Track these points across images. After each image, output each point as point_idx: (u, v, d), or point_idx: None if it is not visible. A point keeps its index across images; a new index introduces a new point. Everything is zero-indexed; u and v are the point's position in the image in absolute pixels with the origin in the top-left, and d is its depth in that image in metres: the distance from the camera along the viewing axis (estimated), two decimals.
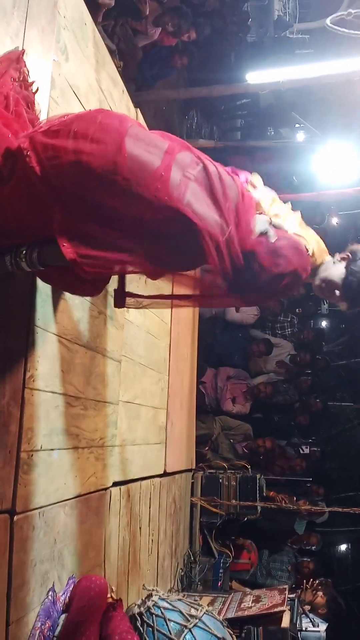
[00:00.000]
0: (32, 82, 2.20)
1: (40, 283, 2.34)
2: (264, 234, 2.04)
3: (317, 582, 5.53)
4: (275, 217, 2.16)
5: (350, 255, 2.25)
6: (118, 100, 3.46)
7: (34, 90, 2.20)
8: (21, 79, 2.12)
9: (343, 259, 2.25)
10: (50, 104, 2.48)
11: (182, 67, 6.32)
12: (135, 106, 3.91)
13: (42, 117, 2.37)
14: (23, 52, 2.18)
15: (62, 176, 1.84)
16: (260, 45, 8.76)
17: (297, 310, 7.78)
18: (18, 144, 1.86)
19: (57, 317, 2.53)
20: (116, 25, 5.01)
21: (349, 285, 2.24)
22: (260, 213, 2.14)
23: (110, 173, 1.82)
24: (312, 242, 2.22)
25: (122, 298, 2.52)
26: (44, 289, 2.38)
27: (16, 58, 2.12)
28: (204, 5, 6.67)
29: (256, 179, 2.29)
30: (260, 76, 5.52)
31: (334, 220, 8.36)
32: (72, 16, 2.74)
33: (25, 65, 2.17)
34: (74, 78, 2.76)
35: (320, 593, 5.38)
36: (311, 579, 5.58)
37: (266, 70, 5.56)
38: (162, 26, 5.65)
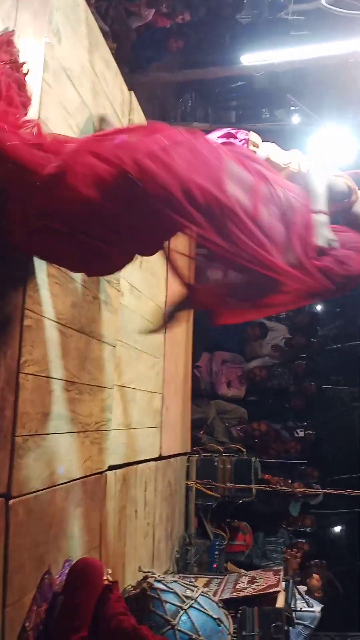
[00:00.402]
0: (23, 64, 2.18)
1: (35, 267, 2.33)
2: (328, 246, 2.09)
3: (298, 552, 5.61)
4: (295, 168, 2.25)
5: None
6: (112, 82, 3.43)
7: (24, 72, 2.18)
8: (12, 60, 2.10)
9: None
10: (43, 86, 2.45)
11: (177, 50, 6.26)
12: (129, 89, 3.87)
13: (35, 99, 2.35)
14: (13, 32, 2.16)
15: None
16: (255, 27, 8.66)
17: None
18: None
19: (51, 302, 2.52)
20: (109, 7, 4.95)
21: None
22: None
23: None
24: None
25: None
26: (38, 274, 2.38)
27: (6, 40, 2.10)
28: None
29: (254, 137, 2.32)
30: (255, 58, 5.48)
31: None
32: None
33: (14, 47, 2.14)
34: (67, 60, 2.72)
35: (316, 576, 5.43)
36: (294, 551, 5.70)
37: (261, 52, 5.52)
38: (156, 7, 5.58)
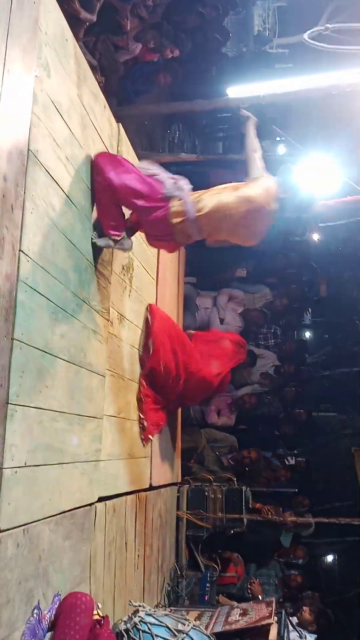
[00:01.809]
0: None
1: (23, 297, 2.33)
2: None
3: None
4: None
5: None
6: (100, 115, 3.48)
7: None
8: None
9: None
10: (33, 119, 2.49)
11: (165, 84, 6.36)
12: (117, 121, 3.93)
13: (24, 132, 2.38)
14: None
15: None
16: (240, 60, 8.84)
17: (280, 322, 7.81)
18: None
19: (41, 332, 2.52)
20: (97, 41, 5.03)
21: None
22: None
23: None
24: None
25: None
26: (27, 304, 2.38)
27: None
28: (185, 22, 6.72)
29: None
30: (241, 90, 5.57)
31: (315, 236, 8.42)
32: (54, 32, 2.76)
33: None
34: (56, 94, 2.77)
35: (306, 609, 5.37)
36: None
37: (247, 85, 5.61)
38: (143, 42, 5.69)
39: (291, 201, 3.48)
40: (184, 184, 3.40)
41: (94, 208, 3.31)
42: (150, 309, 4.65)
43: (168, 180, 3.37)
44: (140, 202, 3.33)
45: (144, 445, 4.46)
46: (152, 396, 4.56)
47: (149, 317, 4.58)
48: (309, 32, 4.40)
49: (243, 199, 3.32)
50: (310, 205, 3.55)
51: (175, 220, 3.32)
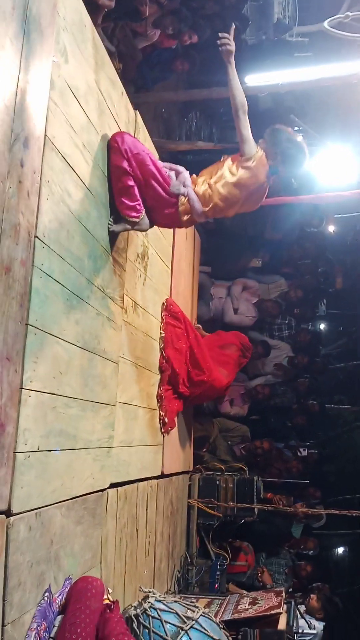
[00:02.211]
0: None
1: (38, 284, 2.34)
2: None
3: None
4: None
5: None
6: (117, 101, 3.46)
7: None
8: None
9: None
10: (50, 104, 2.48)
11: (183, 71, 6.33)
12: (134, 108, 3.91)
13: (41, 117, 2.38)
14: None
15: None
16: (259, 48, 8.75)
17: (295, 311, 7.76)
18: None
19: (55, 318, 2.53)
20: (116, 27, 5.00)
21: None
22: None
23: None
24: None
25: None
26: (42, 290, 2.39)
27: None
28: (204, 8, 6.66)
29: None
30: (259, 79, 5.52)
31: (331, 227, 8.37)
32: (72, 18, 2.75)
33: None
34: (73, 79, 2.76)
35: (313, 596, 5.38)
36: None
37: (265, 73, 5.56)
38: (161, 28, 5.65)
39: (282, 165, 3.58)
40: (186, 176, 3.51)
41: (110, 194, 3.30)
42: (165, 309, 4.69)
43: (172, 175, 3.44)
44: (151, 190, 3.40)
45: (162, 434, 4.52)
46: (171, 389, 4.66)
47: (162, 319, 4.65)
48: (329, 19, 4.35)
49: (242, 185, 3.51)
50: (301, 165, 3.62)
51: (185, 217, 3.53)
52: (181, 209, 3.48)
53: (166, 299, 4.74)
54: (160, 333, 4.56)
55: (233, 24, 3.55)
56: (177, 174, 3.50)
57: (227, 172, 3.53)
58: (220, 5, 6.90)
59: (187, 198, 3.46)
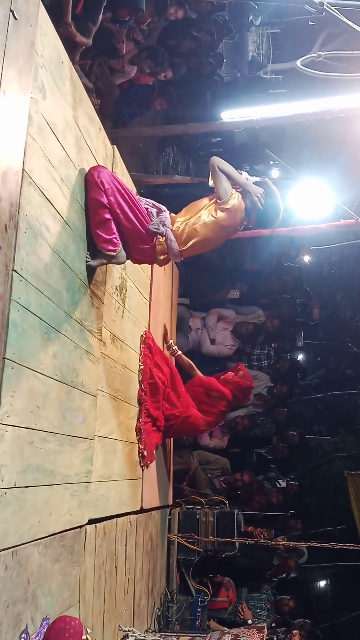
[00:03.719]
0: None
1: (16, 317, 2.33)
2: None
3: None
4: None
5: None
6: (95, 137, 3.50)
7: None
8: None
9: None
10: (28, 140, 2.50)
11: (161, 109, 6.45)
12: (112, 143, 3.96)
13: (19, 152, 2.39)
14: None
15: None
16: (234, 85, 8.96)
17: (272, 344, 7.79)
18: None
19: (33, 352, 2.51)
20: (93, 64, 5.09)
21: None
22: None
23: None
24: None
25: None
26: (20, 323, 2.37)
27: None
28: (180, 46, 6.82)
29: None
30: (235, 114, 5.63)
31: (307, 258, 8.49)
32: (50, 55, 2.79)
33: None
34: (51, 115, 2.79)
35: (296, 632, 5.31)
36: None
37: (241, 109, 5.68)
38: (138, 66, 5.76)
39: (259, 212, 3.75)
40: (167, 216, 3.60)
41: (88, 227, 3.31)
42: (143, 341, 4.69)
43: (152, 211, 3.51)
44: (127, 224, 3.42)
45: (141, 468, 4.47)
46: (150, 422, 4.62)
47: (141, 351, 4.64)
48: (301, 59, 4.45)
49: (218, 227, 3.65)
50: (277, 214, 3.79)
51: (161, 257, 3.62)
52: (158, 248, 3.56)
53: (145, 332, 4.74)
54: (139, 365, 4.55)
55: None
56: (159, 212, 3.57)
57: (205, 214, 3.65)
58: (196, 43, 7.06)
59: (164, 238, 3.52)
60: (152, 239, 3.52)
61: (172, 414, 4.92)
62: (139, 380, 4.51)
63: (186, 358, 5.61)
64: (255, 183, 3.78)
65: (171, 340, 5.59)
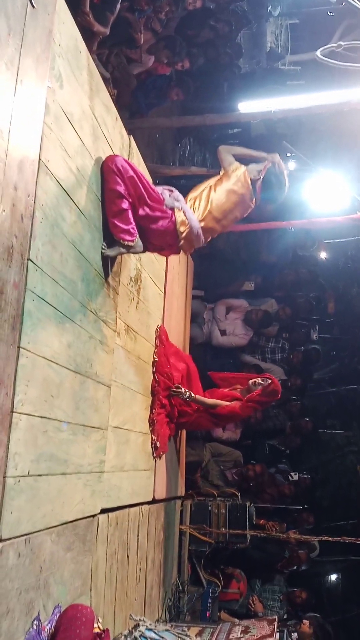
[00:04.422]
0: None
1: (31, 306, 2.33)
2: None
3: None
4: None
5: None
6: (111, 127, 3.49)
7: None
8: None
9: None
10: (44, 129, 2.50)
11: (177, 99, 6.42)
12: (129, 133, 3.95)
13: (36, 141, 2.39)
14: None
15: None
16: (252, 76, 8.89)
17: (284, 335, 7.73)
18: None
19: (47, 341, 2.52)
20: (110, 54, 5.07)
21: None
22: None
23: None
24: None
25: None
26: (34, 313, 2.38)
27: None
28: (198, 36, 6.78)
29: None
30: (252, 105, 5.60)
31: (323, 254, 8.44)
32: (67, 44, 2.78)
33: None
34: (68, 105, 2.78)
35: (306, 622, 5.31)
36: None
37: (258, 100, 5.64)
38: (156, 56, 5.73)
39: (264, 184, 3.80)
40: (178, 193, 3.66)
41: (104, 217, 3.31)
42: (157, 336, 4.67)
43: (165, 192, 3.51)
44: (145, 210, 3.43)
45: (154, 459, 4.48)
46: (163, 413, 4.61)
47: (156, 345, 4.63)
48: (321, 49, 4.41)
49: (229, 191, 3.72)
50: (282, 189, 3.82)
51: (182, 229, 3.58)
52: (179, 219, 3.55)
53: (159, 327, 4.73)
54: (154, 357, 4.55)
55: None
56: (170, 192, 3.58)
57: (213, 182, 3.78)
58: (214, 33, 7.02)
59: (182, 212, 3.55)
60: (171, 217, 3.53)
61: (184, 410, 4.88)
62: (153, 372, 4.51)
63: (201, 398, 4.95)
64: (262, 157, 3.87)
65: (176, 386, 4.80)
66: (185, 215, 3.56)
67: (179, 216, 3.54)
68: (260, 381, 4.96)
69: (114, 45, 5.04)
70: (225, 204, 3.72)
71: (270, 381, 4.94)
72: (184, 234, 3.58)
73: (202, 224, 3.64)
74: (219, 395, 5.03)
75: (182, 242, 3.63)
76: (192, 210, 3.63)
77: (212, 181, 3.80)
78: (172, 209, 3.54)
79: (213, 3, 7.36)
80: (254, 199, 3.83)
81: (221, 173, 3.81)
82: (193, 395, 4.84)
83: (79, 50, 2.94)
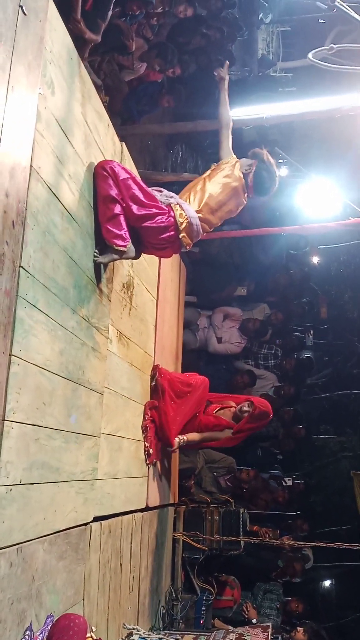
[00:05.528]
0: None
1: (22, 314, 2.32)
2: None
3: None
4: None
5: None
6: (103, 134, 3.49)
7: None
8: None
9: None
10: (36, 136, 2.49)
11: (169, 106, 6.43)
12: (121, 140, 3.95)
13: (27, 148, 2.39)
14: None
15: None
16: (244, 83, 8.92)
17: (277, 341, 7.74)
18: None
19: (39, 349, 2.51)
20: (102, 61, 5.07)
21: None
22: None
23: None
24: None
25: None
26: (26, 320, 2.37)
27: None
28: (189, 43, 6.80)
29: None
30: (244, 111, 5.61)
31: (315, 259, 8.47)
32: (59, 51, 2.78)
33: None
34: (60, 111, 2.78)
35: (301, 629, 5.29)
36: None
37: (250, 107, 5.65)
38: (148, 63, 5.74)
39: (256, 178, 3.86)
40: (168, 192, 3.67)
41: (96, 224, 3.30)
42: (155, 378, 4.68)
43: (154, 193, 3.53)
44: (142, 209, 3.42)
45: (147, 466, 4.46)
46: (156, 421, 4.60)
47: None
48: (313, 51, 4.43)
49: (224, 183, 3.80)
50: (273, 182, 3.90)
51: (181, 220, 3.57)
52: (178, 213, 3.54)
53: (157, 367, 4.74)
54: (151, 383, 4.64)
55: (227, 61, 4.28)
56: (159, 192, 3.62)
57: (208, 173, 3.87)
58: (205, 40, 7.04)
59: (178, 206, 3.55)
60: (169, 212, 3.52)
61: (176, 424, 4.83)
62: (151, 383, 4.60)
63: (193, 437, 4.95)
64: (252, 153, 3.95)
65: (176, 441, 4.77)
66: (182, 207, 3.57)
67: (177, 209, 3.54)
68: (246, 408, 4.97)
69: (105, 52, 5.04)
70: (220, 195, 3.76)
71: (255, 406, 4.94)
72: (183, 225, 3.56)
73: (200, 215, 3.66)
74: (211, 421, 5.06)
75: (182, 234, 3.59)
76: (188, 203, 3.65)
77: (204, 174, 3.88)
78: (169, 205, 3.54)
79: (204, 10, 7.38)
80: (247, 194, 3.89)
81: (212, 167, 3.91)
82: (186, 440, 4.84)
83: (70, 57, 2.94)
